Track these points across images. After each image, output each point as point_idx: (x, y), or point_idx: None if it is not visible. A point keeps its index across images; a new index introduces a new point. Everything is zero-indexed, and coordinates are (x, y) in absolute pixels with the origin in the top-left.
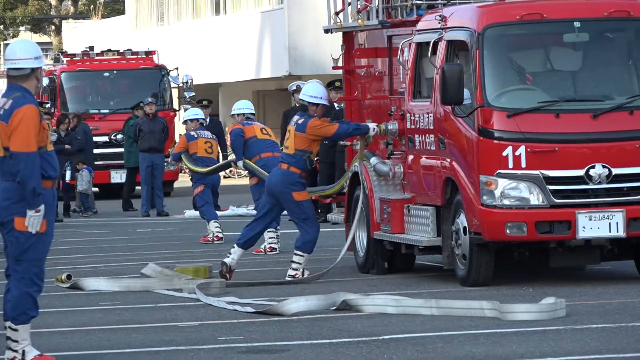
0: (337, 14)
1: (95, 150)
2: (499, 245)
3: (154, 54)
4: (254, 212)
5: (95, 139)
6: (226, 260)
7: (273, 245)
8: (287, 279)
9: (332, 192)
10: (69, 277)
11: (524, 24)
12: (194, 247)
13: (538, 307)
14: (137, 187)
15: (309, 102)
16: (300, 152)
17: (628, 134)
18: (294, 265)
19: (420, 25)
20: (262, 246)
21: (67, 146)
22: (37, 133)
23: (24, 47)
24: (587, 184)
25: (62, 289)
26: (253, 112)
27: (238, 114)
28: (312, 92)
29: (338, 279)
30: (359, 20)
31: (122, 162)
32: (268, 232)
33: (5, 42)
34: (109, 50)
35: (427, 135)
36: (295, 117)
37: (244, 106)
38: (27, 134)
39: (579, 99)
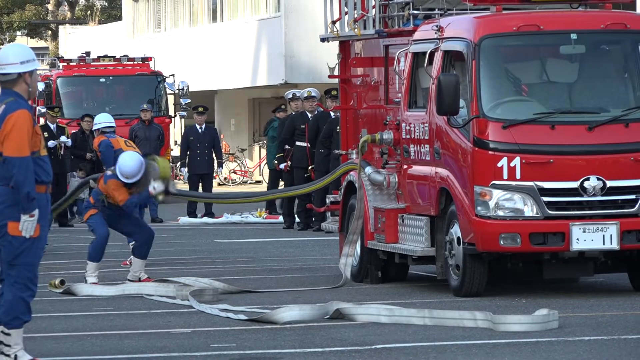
0: (333, 22)
1: (89, 155)
2: (492, 256)
3: (150, 60)
4: (248, 219)
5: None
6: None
7: None
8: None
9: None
10: (62, 282)
11: (520, 35)
12: (188, 253)
13: (531, 318)
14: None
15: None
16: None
17: (623, 147)
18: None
19: (417, 35)
20: (129, 259)
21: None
22: (30, 138)
23: (13, 52)
24: (581, 196)
25: (56, 294)
26: (111, 125)
27: (95, 130)
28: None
29: (331, 288)
30: (356, 30)
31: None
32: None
33: (1, 46)
34: (105, 56)
35: (422, 145)
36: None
37: (101, 120)
38: (19, 139)
39: (575, 110)
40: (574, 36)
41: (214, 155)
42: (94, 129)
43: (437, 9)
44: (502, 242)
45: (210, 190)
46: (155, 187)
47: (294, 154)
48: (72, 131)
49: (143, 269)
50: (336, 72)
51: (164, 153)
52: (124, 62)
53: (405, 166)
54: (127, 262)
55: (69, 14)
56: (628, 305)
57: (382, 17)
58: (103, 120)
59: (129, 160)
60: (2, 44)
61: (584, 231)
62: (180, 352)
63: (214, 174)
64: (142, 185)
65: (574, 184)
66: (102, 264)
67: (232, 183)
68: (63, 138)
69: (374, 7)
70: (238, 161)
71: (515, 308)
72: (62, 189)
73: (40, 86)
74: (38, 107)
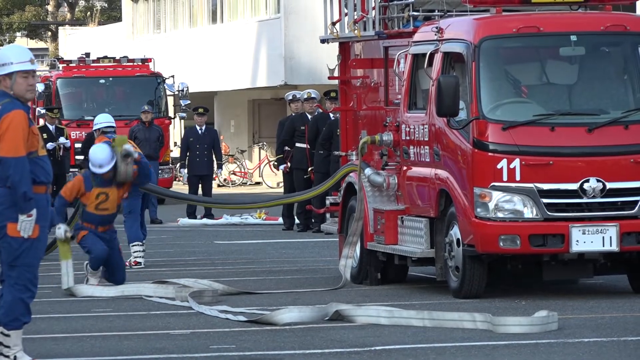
0: (333, 24)
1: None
2: (492, 257)
3: (150, 61)
4: (247, 221)
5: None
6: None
7: (138, 260)
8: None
9: (308, 196)
10: (72, 237)
11: (520, 36)
12: (187, 255)
13: (530, 320)
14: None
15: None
16: None
17: (623, 149)
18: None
19: (417, 37)
20: (128, 260)
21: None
22: (25, 138)
23: None
24: (581, 197)
25: (55, 295)
26: (112, 125)
27: (95, 130)
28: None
29: (331, 289)
30: (356, 31)
31: None
32: (134, 245)
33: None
34: (105, 57)
35: (422, 146)
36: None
37: (101, 120)
38: (14, 139)
39: (575, 112)
40: (573, 38)
41: (213, 156)
42: (94, 129)
43: (437, 11)
44: (501, 244)
45: (210, 191)
46: (124, 165)
47: (294, 156)
48: (86, 133)
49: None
50: (336, 74)
51: (164, 154)
52: (124, 63)
53: (405, 168)
54: (127, 264)
55: (68, 15)
56: (627, 307)
57: (382, 19)
58: (103, 120)
59: (98, 151)
60: (2, 45)
61: (584, 233)
62: (179, 354)
63: (214, 175)
64: (121, 175)
65: (574, 186)
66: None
67: (232, 184)
68: (62, 139)
69: (373, 8)
70: (238, 162)
71: (515, 310)
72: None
73: (40, 87)
74: (37, 109)
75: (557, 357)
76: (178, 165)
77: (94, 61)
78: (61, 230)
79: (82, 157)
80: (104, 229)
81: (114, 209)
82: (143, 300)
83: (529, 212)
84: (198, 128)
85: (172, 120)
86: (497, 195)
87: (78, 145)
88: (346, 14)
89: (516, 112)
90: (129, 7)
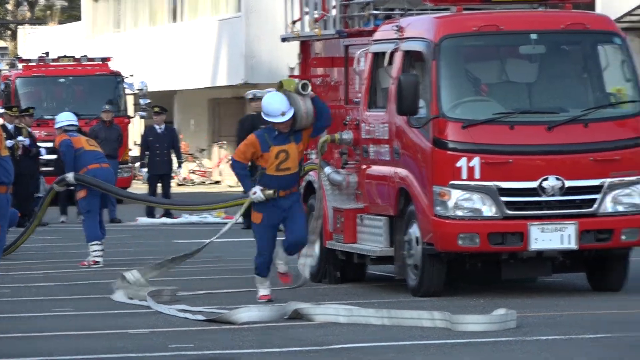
0: (294, 22)
1: (49, 157)
2: (451, 256)
3: (110, 60)
4: (207, 220)
5: (49, 145)
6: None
7: (97, 259)
8: None
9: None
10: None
11: (480, 35)
12: (146, 254)
13: (488, 318)
14: None
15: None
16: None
17: (582, 147)
18: None
19: (377, 35)
20: (87, 260)
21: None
22: None
23: None
24: (540, 196)
25: (15, 294)
26: (74, 124)
27: (57, 128)
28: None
29: (290, 288)
30: (316, 30)
31: None
32: (93, 245)
33: None
34: (65, 56)
35: (382, 145)
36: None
37: (63, 119)
38: None
39: (534, 110)
40: (533, 36)
41: (173, 155)
42: (55, 127)
43: (397, 9)
44: (460, 242)
45: (169, 191)
46: (303, 103)
47: None
48: (45, 132)
49: (283, 261)
50: (296, 72)
51: (123, 153)
52: (83, 62)
53: (364, 166)
54: (85, 263)
55: (28, 14)
56: (585, 305)
57: (342, 17)
58: (65, 118)
59: (273, 100)
60: None
61: (542, 231)
62: (138, 353)
63: (173, 175)
64: (302, 116)
65: (533, 184)
66: (61, 265)
67: (191, 183)
68: (20, 138)
69: (334, 7)
70: (197, 161)
71: (474, 308)
72: (21, 190)
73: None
74: None
75: (515, 355)
76: (137, 164)
77: (53, 60)
78: (257, 194)
79: (54, 157)
80: (285, 193)
81: (296, 168)
82: (103, 299)
83: (488, 210)
84: (157, 127)
85: (132, 119)
86: (456, 194)
87: (42, 145)
88: (307, 13)
89: (476, 110)
90: (89, 6)
